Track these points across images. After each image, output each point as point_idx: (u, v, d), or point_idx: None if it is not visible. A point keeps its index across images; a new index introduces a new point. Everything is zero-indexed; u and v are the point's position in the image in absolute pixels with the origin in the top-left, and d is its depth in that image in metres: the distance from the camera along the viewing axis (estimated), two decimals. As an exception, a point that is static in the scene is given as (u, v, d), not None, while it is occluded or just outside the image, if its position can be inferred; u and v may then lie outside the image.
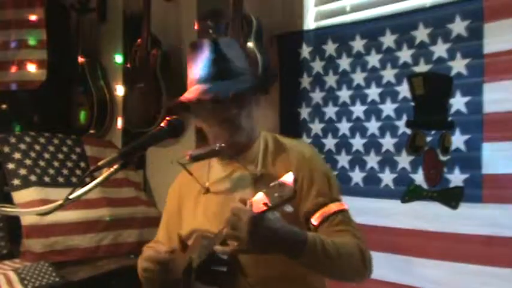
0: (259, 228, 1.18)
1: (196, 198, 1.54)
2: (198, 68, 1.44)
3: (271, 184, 1.17)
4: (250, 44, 2.45)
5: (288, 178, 1.15)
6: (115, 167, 1.29)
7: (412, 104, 2.10)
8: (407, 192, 2.11)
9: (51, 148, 2.88)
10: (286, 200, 1.14)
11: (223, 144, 1.41)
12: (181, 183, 1.63)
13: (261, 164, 1.46)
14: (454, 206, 1.97)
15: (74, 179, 2.83)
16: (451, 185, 1.98)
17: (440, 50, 2.02)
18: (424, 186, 2.06)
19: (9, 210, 1.43)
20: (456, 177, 1.97)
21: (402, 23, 2.14)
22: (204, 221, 1.48)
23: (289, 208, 1.15)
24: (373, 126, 2.22)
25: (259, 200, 1.18)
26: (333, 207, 1.40)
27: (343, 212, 1.42)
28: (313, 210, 1.40)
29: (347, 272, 1.36)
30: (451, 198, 1.97)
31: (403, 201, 2.11)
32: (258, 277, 1.39)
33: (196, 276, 1.38)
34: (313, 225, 1.40)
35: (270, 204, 1.15)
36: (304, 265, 1.29)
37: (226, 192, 1.47)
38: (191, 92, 1.42)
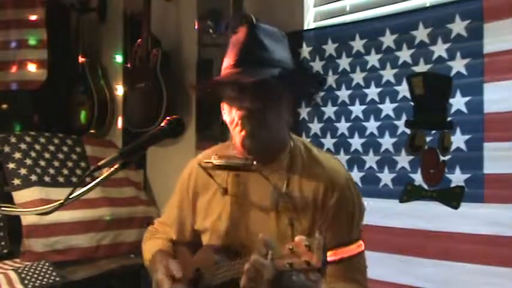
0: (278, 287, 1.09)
1: (212, 196, 1.48)
2: (234, 51, 1.32)
3: (297, 242, 1.04)
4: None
5: (318, 243, 1.03)
6: (115, 166, 1.28)
7: (412, 103, 2.10)
8: (405, 193, 2.11)
9: (52, 148, 2.88)
10: (312, 269, 1.04)
11: (255, 162, 1.30)
12: (197, 176, 1.53)
13: (287, 178, 1.35)
14: (455, 206, 1.97)
15: (74, 179, 2.83)
16: (452, 185, 1.98)
17: (440, 49, 2.02)
18: (424, 186, 2.06)
19: (9, 210, 1.43)
20: (457, 177, 1.97)
21: (402, 23, 2.14)
22: (217, 221, 1.43)
23: (316, 276, 1.05)
24: (372, 125, 2.23)
25: (284, 257, 1.06)
26: (351, 249, 1.30)
27: (358, 256, 1.31)
28: (329, 246, 1.36)
29: None
30: (452, 198, 1.97)
31: (402, 201, 2.12)
32: None
33: None
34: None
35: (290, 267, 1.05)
36: None
37: (245, 197, 1.40)
38: (228, 75, 1.31)
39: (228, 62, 1.34)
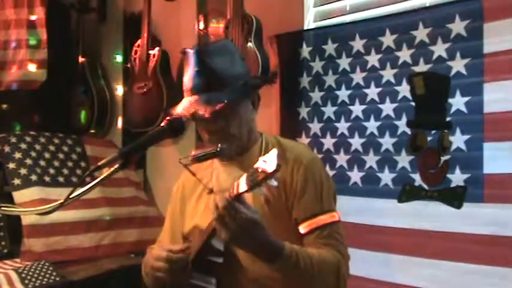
0: (245, 231, 1.22)
1: (199, 198, 1.57)
2: (187, 77, 1.46)
3: (256, 164, 1.17)
4: (250, 44, 2.46)
5: (272, 154, 1.15)
6: (115, 166, 1.29)
7: (412, 103, 2.10)
8: (404, 193, 2.11)
9: (52, 148, 2.88)
10: (270, 174, 1.13)
11: (223, 146, 1.42)
12: (184, 183, 1.65)
13: None
14: (458, 206, 1.97)
15: (74, 179, 2.84)
16: (452, 185, 1.98)
17: (439, 49, 2.02)
18: (424, 186, 2.06)
19: (9, 210, 1.43)
20: (457, 177, 1.97)
21: (402, 23, 2.14)
22: (204, 218, 1.49)
23: (274, 183, 1.15)
24: (372, 125, 2.23)
25: (243, 179, 1.19)
26: (323, 219, 1.42)
27: (332, 224, 1.44)
28: (302, 219, 1.43)
29: (316, 285, 1.38)
30: (454, 197, 1.97)
31: (400, 201, 2.12)
32: (256, 272, 1.40)
33: (193, 266, 1.40)
34: (300, 233, 1.43)
35: (251, 183, 1.16)
36: (277, 271, 1.32)
37: (226, 190, 1.48)
38: (182, 105, 1.44)
39: (185, 85, 1.46)
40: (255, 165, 1.16)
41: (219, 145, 1.42)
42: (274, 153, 1.15)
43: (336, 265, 1.38)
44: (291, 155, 1.48)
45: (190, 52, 1.45)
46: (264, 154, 1.47)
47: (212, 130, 1.46)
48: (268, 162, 1.14)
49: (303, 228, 1.43)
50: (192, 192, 1.60)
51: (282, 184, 1.43)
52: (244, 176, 1.18)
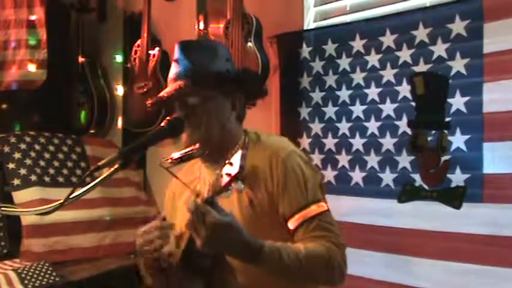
0: (217, 235, 1.20)
1: (188, 200, 1.55)
2: (170, 69, 1.51)
3: (223, 169, 1.17)
4: (250, 44, 2.46)
5: (236, 156, 1.15)
6: (115, 166, 1.29)
7: (413, 103, 2.10)
8: (404, 193, 2.11)
9: (52, 148, 2.88)
10: (233, 177, 1.14)
11: (197, 146, 1.40)
12: (175, 186, 1.65)
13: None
14: (457, 206, 1.96)
15: (74, 179, 2.83)
16: (452, 185, 1.98)
17: (439, 49, 2.02)
18: (424, 186, 2.06)
19: (9, 210, 1.43)
20: (457, 177, 1.97)
21: (402, 23, 2.14)
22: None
23: (240, 186, 1.15)
24: (372, 125, 2.22)
25: (213, 182, 1.19)
26: (310, 210, 1.39)
27: (321, 215, 1.40)
28: (289, 214, 1.41)
29: (309, 281, 1.37)
30: (454, 198, 1.97)
31: (400, 201, 2.12)
32: (248, 271, 1.37)
33: (180, 267, 1.37)
34: (289, 229, 1.40)
35: (216, 187, 1.17)
36: (261, 271, 1.31)
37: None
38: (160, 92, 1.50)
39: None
40: (222, 170, 1.17)
41: (195, 145, 1.41)
42: (238, 155, 1.15)
43: (325, 257, 1.34)
44: (269, 150, 1.46)
45: (176, 44, 1.50)
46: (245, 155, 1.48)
47: (179, 117, 1.44)
48: (233, 164, 1.14)
49: (291, 224, 1.40)
50: (182, 194, 1.59)
51: (263, 182, 1.42)
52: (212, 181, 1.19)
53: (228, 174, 1.14)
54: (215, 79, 1.45)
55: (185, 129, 1.44)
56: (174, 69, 1.49)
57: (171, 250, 1.46)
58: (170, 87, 1.47)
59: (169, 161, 1.42)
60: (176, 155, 1.43)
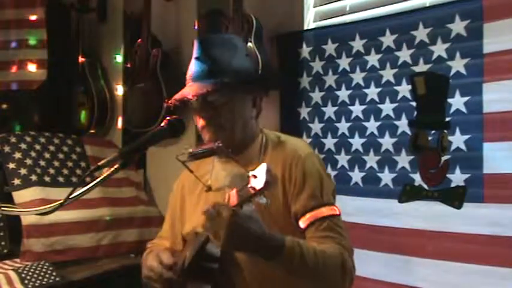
0: (237, 226, 1.17)
1: (198, 196, 1.56)
2: (190, 66, 1.48)
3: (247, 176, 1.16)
4: (250, 44, 2.46)
5: (261, 169, 1.14)
6: (115, 166, 1.29)
7: (413, 103, 2.10)
8: (404, 193, 2.11)
9: (52, 148, 2.88)
10: (258, 191, 1.12)
11: (220, 144, 1.40)
12: (185, 180, 1.64)
13: (256, 163, 1.42)
14: (458, 206, 1.97)
15: (74, 179, 2.83)
16: (453, 185, 1.98)
17: (439, 49, 2.03)
18: (424, 186, 2.06)
19: (9, 210, 1.43)
20: (457, 177, 1.97)
21: (402, 23, 2.14)
22: (202, 218, 1.47)
23: (263, 200, 1.14)
24: (372, 125, 2.23)
25: (234, 194, 1.18)
26: (322, 211, 1.40)
27: (332, 217, 1.40)
28: (301, 213, 1.40)
29: (323, 282, 1.35)
30: (455, 198, 1.97)
31: (400, 201, 2.12)
32: (258, 274, 1.39)
33: (187, 273, 1.36)
34: (300, 227, 1.40)
35: (240, 198, 1.16)
36: (280, 269, 1.29)
37: (226, 191, 1.47)
38: (181, 92, 1.45)
39: (187, 73, 1.48)
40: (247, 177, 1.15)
41: (217, 142, 1.40)
42: (263, 168, 1.13)
43: (339, 257, 1.33)
44: (288, 151, 1.47)
45: (196, 41, 1.48)
46: (264, 152, 1.48)
47: (203, 117, 1.45)
48: (258, 178, 1.13)
49: (302, 223, 1.40)
50: (192, 189, 1.59)
51: (282, 179, 1.42)
52: (235, 190, 1.18)
53: (253, 188, 1.13)
54: (241, 79, 1.44)
55: (207, 128, 1.44)
56: (196, 68, 1.46)
57: (175, 251, 1.46)
58: (195, 87, 1.42)
59: (187, 155, 1.42)
60: (196, 150, 1.43)
